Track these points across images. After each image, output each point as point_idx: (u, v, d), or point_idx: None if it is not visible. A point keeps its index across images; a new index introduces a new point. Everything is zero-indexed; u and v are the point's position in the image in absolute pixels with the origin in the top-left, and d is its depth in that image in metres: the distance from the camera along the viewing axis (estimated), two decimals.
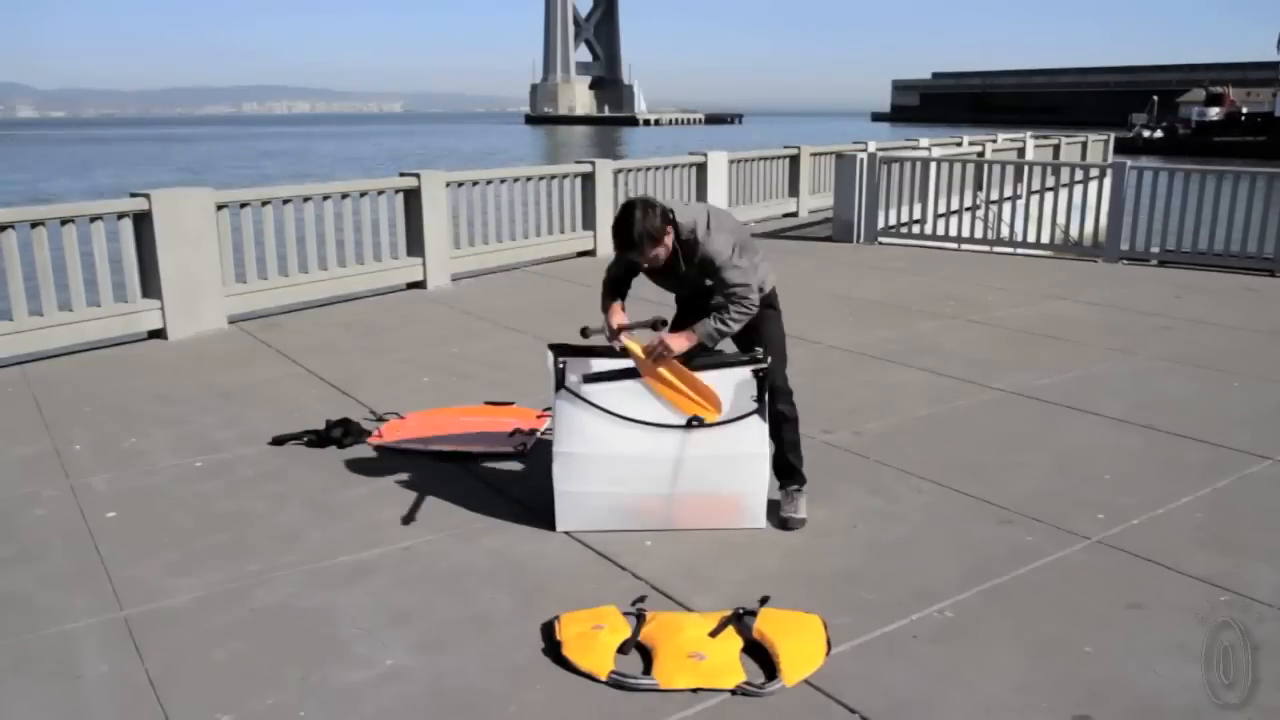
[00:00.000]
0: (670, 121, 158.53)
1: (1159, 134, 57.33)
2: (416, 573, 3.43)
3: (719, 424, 3.58)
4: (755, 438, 3.62)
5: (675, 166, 11.57)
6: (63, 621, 3.12)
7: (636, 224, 3.47)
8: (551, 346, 3.65)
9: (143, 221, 6.79)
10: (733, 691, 2.71)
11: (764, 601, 3.10)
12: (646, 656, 2.87)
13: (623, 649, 2.89)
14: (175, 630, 3.07)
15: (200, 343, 6.80)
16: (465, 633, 3.04)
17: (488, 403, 5.17)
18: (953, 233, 11.13)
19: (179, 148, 75.50)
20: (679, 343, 3.54)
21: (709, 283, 3.64)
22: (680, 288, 3.84)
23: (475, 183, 9.28)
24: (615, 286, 3.80)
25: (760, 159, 13.20)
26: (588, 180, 10.24)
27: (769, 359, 3.62)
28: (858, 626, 3.03)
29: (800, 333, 6.82)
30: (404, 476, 4.26)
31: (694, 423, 3.57)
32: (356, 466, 4.40)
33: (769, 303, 3.83)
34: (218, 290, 7.17)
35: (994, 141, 17.03)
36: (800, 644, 2.87)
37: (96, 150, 72.14)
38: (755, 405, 3.59)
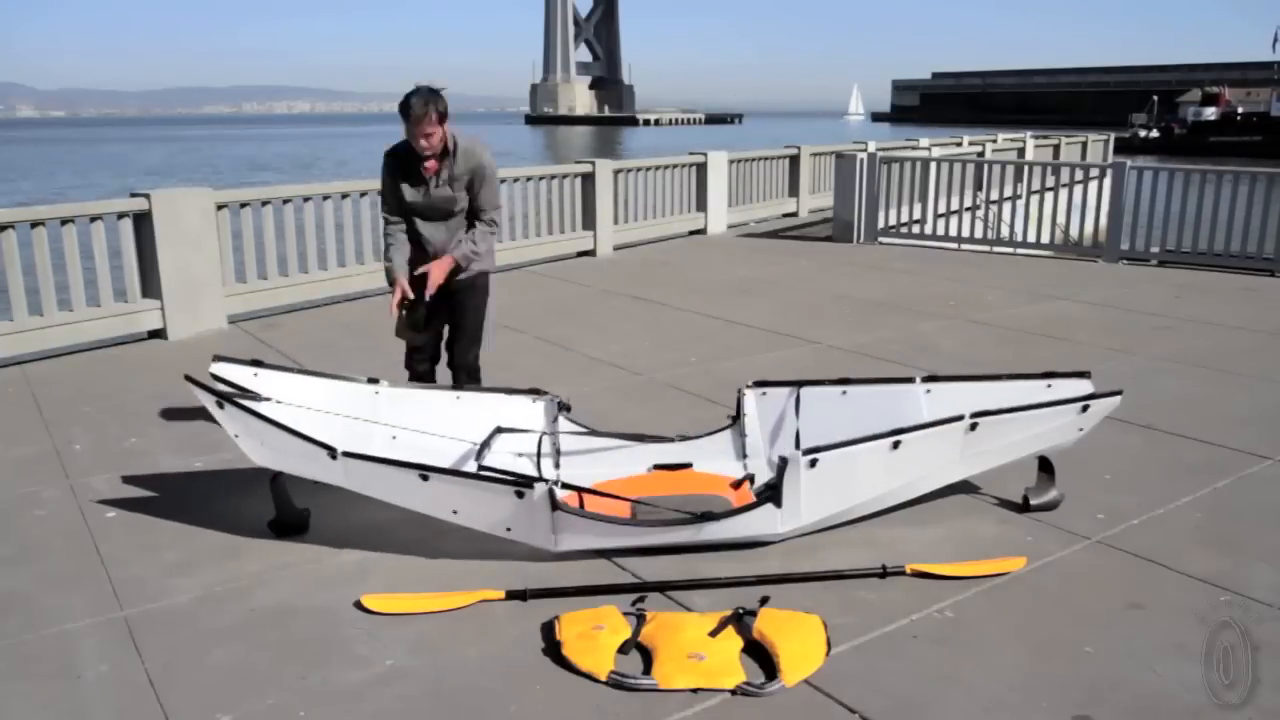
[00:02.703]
0: (670, 121, 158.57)
1: (1154, 134, 57.25)
2: (416, 573, 3.43)
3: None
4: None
5: (675, 166, 11.57)
6: (63, 621, 3.12)
7: (423, 96, 3.89)
8: (198, 382, 3.60)
9: (143, 221, 6.80)
10: (733, 691, 2.71)
11: (764, 601, 3.09)
12: (646, 657, 2.87)
13: (623, 649, 2.89)
14: (175, 630, 3.07)
15: (200, 342, 6.79)
16: (465, 633, 3.04)
17: (657, 466, 4.10)
18: (953, 233, 11.14)
19: (152, 149, 73.95)
20: (441, 267, 4.10)
21: (458, 209, 4.13)
22: (432, 207, 4.16)
23: None
24: (400, 246, 4.20)
25: (760, 159, 13.20)
26: (588, 180, 10.23)
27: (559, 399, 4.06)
28: (858, 626, 3.03)
29: (800, 332, 6.82)
30: None
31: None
32: None
33: (486, 285, 4.37)
34: (218, 290, 7.18)
35: (994, 141, 17.05)
36: (800, 644, 2.87)
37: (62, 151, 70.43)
38: None
